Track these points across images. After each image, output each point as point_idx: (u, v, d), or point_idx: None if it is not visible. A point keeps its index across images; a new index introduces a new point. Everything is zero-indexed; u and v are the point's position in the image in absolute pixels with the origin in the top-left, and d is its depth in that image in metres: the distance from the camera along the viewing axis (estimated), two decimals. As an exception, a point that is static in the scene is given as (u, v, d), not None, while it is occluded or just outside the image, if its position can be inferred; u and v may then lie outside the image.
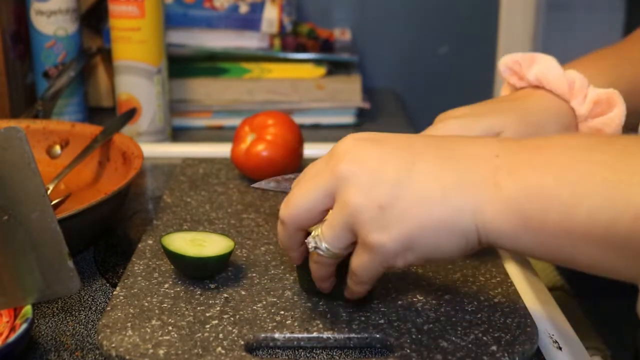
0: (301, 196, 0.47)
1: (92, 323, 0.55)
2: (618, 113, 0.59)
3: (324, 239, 0.47)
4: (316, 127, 1.04)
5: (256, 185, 0.60)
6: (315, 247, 0.47)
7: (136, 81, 0.92)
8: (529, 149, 0.43)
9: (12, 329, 0.49)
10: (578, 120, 0.61)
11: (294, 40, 1.07)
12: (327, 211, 0.47)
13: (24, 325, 0.48)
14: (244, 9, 1.04)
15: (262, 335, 0.50)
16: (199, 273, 0.57)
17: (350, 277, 0.48)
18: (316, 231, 0.47)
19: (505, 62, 0.64)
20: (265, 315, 0.52)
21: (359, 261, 0.46)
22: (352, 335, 0.50)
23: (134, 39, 0.90)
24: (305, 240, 0.48)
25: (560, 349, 0.51)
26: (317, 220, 0.47)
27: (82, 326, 0.54)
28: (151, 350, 0.48)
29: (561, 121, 0.60)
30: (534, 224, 0.41)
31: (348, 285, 0.50)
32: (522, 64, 0.62)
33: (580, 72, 0.61)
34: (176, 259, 0.56)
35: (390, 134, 0.47)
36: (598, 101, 0.60)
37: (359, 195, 0.44)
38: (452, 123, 0.60)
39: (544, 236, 0.41)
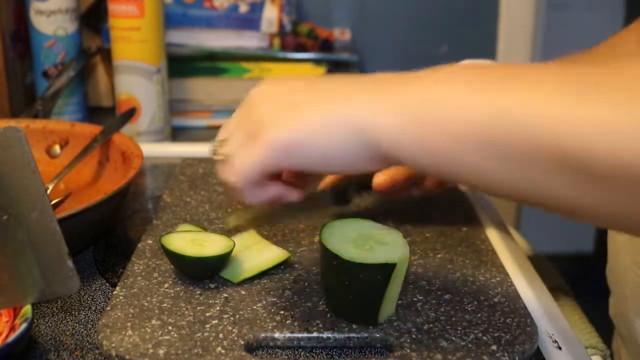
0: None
1: (91, 323, 0.55)
2: None
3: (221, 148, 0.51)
4: (316, 126, 1.04)
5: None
6: (214, 154, 0.51)
7: (136, 81, 0.92)
8: (424, 74, 0.45)
9: (12, 328, 0.49)
10: None
11: (294, 40, 1.07)
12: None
13: (24, 325, 0.48)
14: (243, 8, 1.04)
15: (262, 335, 0.50)
16: (198, 273, 0.57)
17: (228, 169, 0.50)
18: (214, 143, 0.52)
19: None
20: (265, 315, 0.52)
21: (244, 154, 0.48)
22: (352, 334, 0.50)
23: (134, 38, 0.90)
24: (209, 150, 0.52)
25: (560, 348, 0.51)
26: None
27: (82, 326, 0.54)
28: (151, 350, 0.48)
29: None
30: (415, 119, 0.43)
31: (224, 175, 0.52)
32: None
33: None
34: (176, 258, 0.56)
35: (300, 79, 0.52)
36: None
37: (264, 104, 0.48)
38: None
39: (424, 132, 0.43)
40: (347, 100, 0.45)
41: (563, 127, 0.38)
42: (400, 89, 0.44)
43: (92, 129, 0.78)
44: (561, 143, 0.38)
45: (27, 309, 0.49)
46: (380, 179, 0.66)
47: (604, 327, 0.82)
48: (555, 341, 0.52)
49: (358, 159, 0.46)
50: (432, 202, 0.72)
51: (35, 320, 0.54)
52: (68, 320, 0.55)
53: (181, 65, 1.03)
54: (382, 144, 0.44)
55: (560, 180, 0.39)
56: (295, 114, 0.46)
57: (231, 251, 0.57)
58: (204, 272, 0.57)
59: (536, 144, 0.39)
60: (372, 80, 0.47)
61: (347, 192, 0.70)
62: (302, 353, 0.50)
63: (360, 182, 0.70)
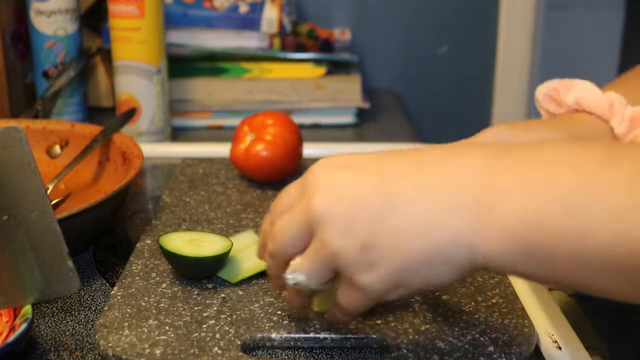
0: (282, 231, 0.45)
1: (91, 323, 0.55)
2: None
3: (303, 274, 0.45)
4: (316, 127, 1.04)
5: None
6: (295, 284, 0.45)
7: (136, 81, 0.92)
8: (516, 162, 0.40)
9: (12, 328, 0.49)
10: (617, 139, 0.61)
11: (294, 40, 1.07)
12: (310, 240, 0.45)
13: (24, 325, 0.48)
14: (243, 8, 1.04)
15: (259, 335, 0.50)
16: (196, 273, 0.57)
17: (337, 309, 0.47)
18: (294, 265, 0.46)
19: (543, 90, 0.63)
20: (262, 315, 0.53)
21: (347, 298, 0.44)
22: (349, 335, 0.50)
23: (134, 39, 0.90)
24: (284, 275, 0.46)
25: (560, 348, 0.51)
26: (302, 250, 0.45)
27: (82, 326, 0.54)
28: (148, 350, 0.48)
29: (604, 139, 0.60)
30: (540, 254, 0.38)
31: (333, 313, 0.48)
32: (559, 90, 0.62)
33: (619, 93, 0.61)
34: (173, 258, 0.57)
35: (363, 155, 0.45)
36: (634, 118, 0.60)
37: (338, 236, 0.41)
38: (502, 130, 0.59)
39: (552, 264, 0.38)
40: (444, 223, 0.40)
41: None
42: (502, 204, 0.39)
43: (92, 129, 0.79)
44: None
45: (27, 309, 0.50)
46: None
47: (604, 327, 0.82)
48: (556, 341, 0.52)
49: (453, 280, 0.43)
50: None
51: (35, 320, 0.55)
52: (68, 320, 0.55)
53: (181, 65, 1.03)
54: (496, 270, 0.42)
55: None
56: (380, 255, 0.41)
57: (229, 251, 0.57)
58: (202, 272, 0.57)
59: None
60: (445, 182, 0.41)
61: None
62: (300, 353, 0.50)
63: None
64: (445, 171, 0.41)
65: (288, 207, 0.46)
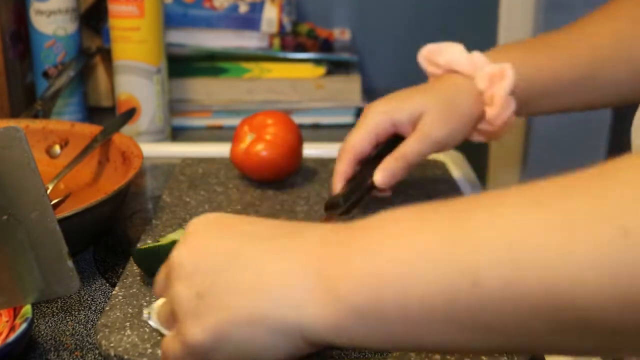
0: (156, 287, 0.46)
1: (91, 323, 0.55)
2: (504, 84, 0.66)
3: (157, 319, 0.47)
4: (316, 126, 1.04)
5: None
6: (149, 322, 0.49)
7: (136, 81, 0.92)
8: (359, 232, 0.38)
9: (12, 328, 0.49)
10: (481, 94, 0.68)
11: (294, 40, 1.07)
12: None
13: (24, 325, 0.48)
14: (243, 8, 1.04)
15: (261, 335, 0.50)
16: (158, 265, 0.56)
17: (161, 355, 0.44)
18: (152, 309, 0.49)
19: (422, 54, 0.72)
20: (264, 315, 0.52)
21: (169, 347, 0.42)
22: (351, 335, 0.50)
23: (134, 38, 0.90)
24: (143, 315, 0.50)
25: (558, 349, 0.51)
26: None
27: (82, 326, 0.54)
28: (150, 350, 0.48)
29: (471, 96, 0.68)
30: (367, 315, 0.36)
31: None
32: (433, 53, 0.71)
33: (505, 55, 0.69)
34: (137, 256, 0.56)
35: (248, 219, 0.44)
36: (493, 75, 0.67)
37: (179, 281, 0.41)
38: (378, 108, 0.68)
39: (381, 325, 0.36)
40: (263, 290, 0.38)
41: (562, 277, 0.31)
42: (336, 270, 0.37)
43: (92, 129, 0.78)
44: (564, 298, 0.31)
45: (27, 309, 0.50)
46: (379, 176, 0.66)
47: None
48: (554, 341, 0.52)
49: (279, 356, 0.39)
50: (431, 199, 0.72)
51: (35, 320, 0.54)
52: (68, 320, 0.55)
53: (181, 65, 1.03)
54: (314, 339, 0.38)
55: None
56: (210, 305, 0.39)
57: None
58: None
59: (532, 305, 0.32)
60: (294, 247, 0.39)
61: (340, 201, 0.66)
62: (301, 353, 0.50)
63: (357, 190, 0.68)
64: (298, 241, 0.39)
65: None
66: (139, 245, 0.62)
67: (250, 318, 0.38)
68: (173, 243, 0.54)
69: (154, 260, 0.54)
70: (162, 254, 0.54)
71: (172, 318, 0.42)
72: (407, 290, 0.34)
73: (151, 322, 0.49)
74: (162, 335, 0.50)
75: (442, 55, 0.70)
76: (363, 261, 0.36)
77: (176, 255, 0.42)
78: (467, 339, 0.35)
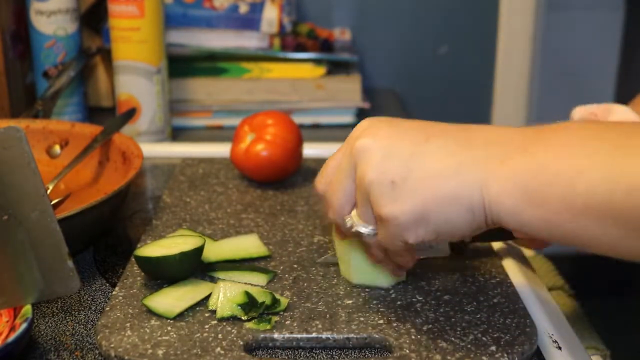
0: (335, 192, 0.50)
1: (91, 323, 0.55)
2: None
3: (356, 217, 0.49)
4: (316, 126, 1.04)
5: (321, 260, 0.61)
6: (351, 227, 0.49)
7: (136, 81, 0.92)
8: (544, 131, 0.44)
9: (12, 328, 0.49)
10: None
11: (294, 40, 1.07)
12: None
13: (24, 325, 0.48)
14: (243, 8, 1.04)
15: (261, 335, 0.50)
16: (167, 273, 0.56)
17: (388, 255, 0.52)
18: (351, 216, 0.50)
19: (580, 114, 0.64)
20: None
21: (380, 234, 0.48)
22: (351, 335, 0.50)
23: (134, 38, 0.90)
24: (346, 224, 0.50)
25: (560, 348, 0.51)
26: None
27: (82, 326, 0.54)
28: (150, 351, 0.48)
29: None
30: (536, 199, 0.42)
31: (387, 262, 0.53)
32: (597, 115, 0.64)
33: None
34: (141, 263, 0.56)
35: (407, 119, 0.49)
36: None
37: (372, 170, 0.46)
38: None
39: (546, 211, 0.42)
40: (459, 174, 0.45)
41: None
42: (517, 158, 0.44)
43: (92, 129, 0.78)
44: None
45: (27, 309, 0.50)
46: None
47: (604, 327, 0.82)
48: (555, 341, 0.52)
49: (475, 229, 0.46)
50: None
51: (35, 320, 0.54)
52: (68, 320, 0.55)
53: (181, 65, 1.03)
54: (501, 220, 0.45)
55: None
56: (407, 190, 0.45)
57: (198, 249, 0.56)
58: (173, 272, 0.56)
59: None
60: (485, 141, 0.46)
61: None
62: (301, 353, 0.50)
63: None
64: (481, 134, 0.46)
65: (334, 166, 0.50)
66: (139, 246, 0.62)
67: (447, 198, 0.44)
68: (182, 254, 0.55)
69: (160, 269, 0.55)
70: (169, 262, 0.55)
71: (368, 205, 0.47)
72: (570, 185, 0.41)
73: (359, 228, 0.49)
74: (162, 335, 0.50)
75: (610, 116, 0.63)
76: (541, 153, 0.43)
77: (361, 144, 0.47)
78: (616, 239, 0.41)
